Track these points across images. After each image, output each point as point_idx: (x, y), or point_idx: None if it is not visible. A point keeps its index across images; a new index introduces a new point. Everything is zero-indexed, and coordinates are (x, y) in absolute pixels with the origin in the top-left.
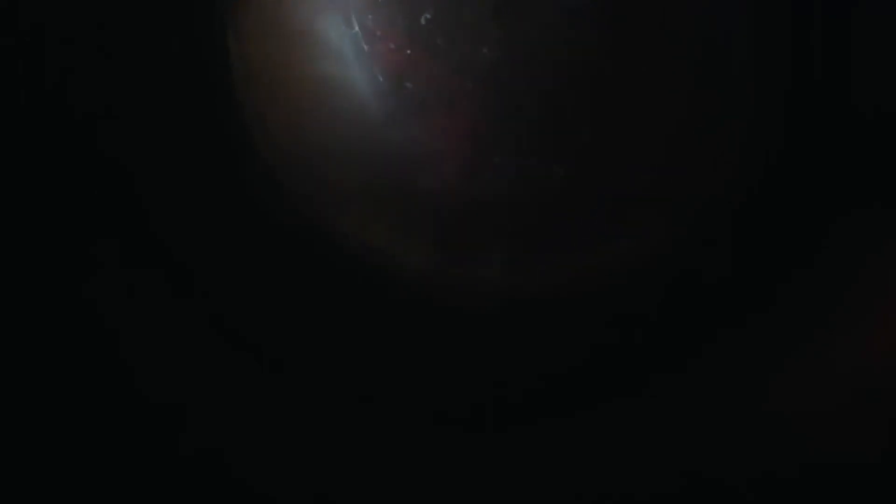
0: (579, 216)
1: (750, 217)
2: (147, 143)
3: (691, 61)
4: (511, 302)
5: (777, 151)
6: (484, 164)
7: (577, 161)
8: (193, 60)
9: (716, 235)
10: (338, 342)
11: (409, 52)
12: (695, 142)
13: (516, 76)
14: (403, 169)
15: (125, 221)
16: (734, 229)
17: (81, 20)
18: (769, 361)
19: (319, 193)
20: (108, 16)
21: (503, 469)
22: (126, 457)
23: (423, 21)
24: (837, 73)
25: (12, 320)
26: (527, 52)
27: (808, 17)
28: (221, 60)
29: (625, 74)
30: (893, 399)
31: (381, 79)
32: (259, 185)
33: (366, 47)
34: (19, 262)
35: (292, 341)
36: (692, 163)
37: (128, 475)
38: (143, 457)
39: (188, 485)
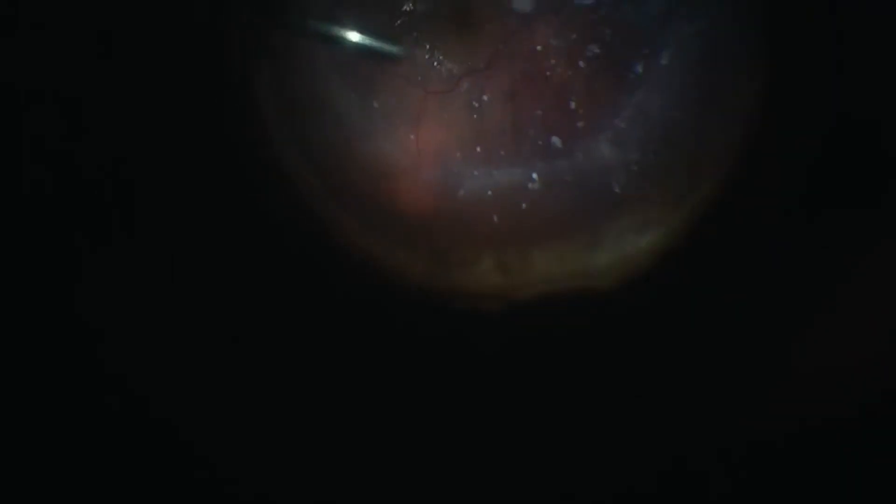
0: (563, 218)
1: (738, 216)
2: (161, 158)
3: (671, 71)
4: (508, 303)
5: (766, 151)
6: (459, 174)
7: (551, 167)
8: (208, 76)
9: (703, 238)
10: (339, 344)
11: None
12: (676, 146)
13: (480, 88)
14: (384, 179)
15: (128, 223)
16: (720, 229)
17: (84, 19)
18: (757, 350)
19: (321, 199)
20: (112, 17)
21: (501, 470)
22: (123, 459)
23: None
24: (827, 80)
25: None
26: (489, 63)
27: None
28: (239, 79)
29: (591, 81)
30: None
31: (353, 95)
32: (267, 190)
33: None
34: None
35: (293, 343)
36: (673, 167)
37: (123, 476)
38: (138, 458)
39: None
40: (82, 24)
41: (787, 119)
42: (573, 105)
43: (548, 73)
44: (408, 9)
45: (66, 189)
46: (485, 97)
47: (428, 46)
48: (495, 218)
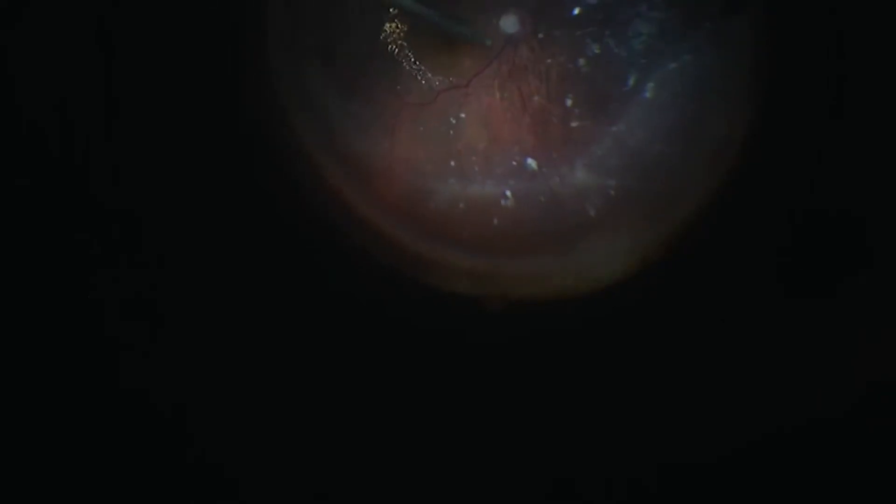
0: (535, 235)
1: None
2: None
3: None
4: (481, 313)
5: (751, 184)
6: (430, 184)
7: (525, 186)
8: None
9: (683, 256)
10: (332, 341)
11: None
12: (655, 176)
13: (459, 104)
14: (353, 179)
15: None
16: (701, 249)
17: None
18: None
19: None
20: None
21: (498, 470)
22: (125, 457)
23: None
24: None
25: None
26: (470, 80)
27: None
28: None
29: (571, 108)
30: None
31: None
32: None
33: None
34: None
35: (292, 342)
36: (651, 196)
37: (125, 475)
38: (141, 458)
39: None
40: (83, 16)
41: (773, 156)
42: (551, 129)
43: (528, 96)
44: (394, 20)
45: (71, 187)
46: (462, 114)
47: (411, 58)
48: (464, 230)
